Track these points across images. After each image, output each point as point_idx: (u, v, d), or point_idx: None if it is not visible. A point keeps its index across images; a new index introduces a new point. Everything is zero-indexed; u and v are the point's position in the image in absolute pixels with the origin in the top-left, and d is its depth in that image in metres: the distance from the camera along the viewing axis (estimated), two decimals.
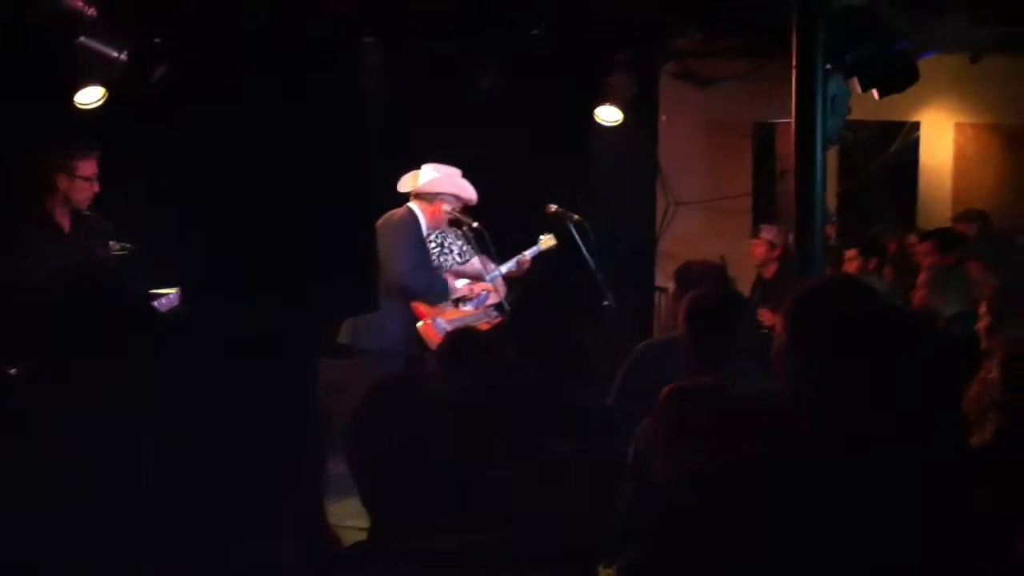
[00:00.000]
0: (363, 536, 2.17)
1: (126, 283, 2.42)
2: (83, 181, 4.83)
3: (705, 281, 3.75)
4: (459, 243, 6.35)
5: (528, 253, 6.42)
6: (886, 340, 2.35)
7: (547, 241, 6.48)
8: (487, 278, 6.23)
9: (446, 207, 6.07)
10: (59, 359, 2.21)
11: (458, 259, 6.30)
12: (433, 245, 6.21)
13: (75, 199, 4.86)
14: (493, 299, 6.25)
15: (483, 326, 5.79)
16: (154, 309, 4.82)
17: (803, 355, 2.33)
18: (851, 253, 7.24)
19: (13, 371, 2.57)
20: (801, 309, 2.38)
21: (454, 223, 6.20)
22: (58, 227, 4.90)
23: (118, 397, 2.17)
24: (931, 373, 2.53)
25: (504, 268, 6.31)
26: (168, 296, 5.36)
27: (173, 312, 5.31)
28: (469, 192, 6.17)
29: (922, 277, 5.80)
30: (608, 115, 7.31)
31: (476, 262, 6.28)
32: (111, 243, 5.36)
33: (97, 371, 2.21)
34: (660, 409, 2.51)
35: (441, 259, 6.22)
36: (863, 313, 2.38)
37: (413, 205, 6.10)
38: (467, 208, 6.17)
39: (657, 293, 8.30)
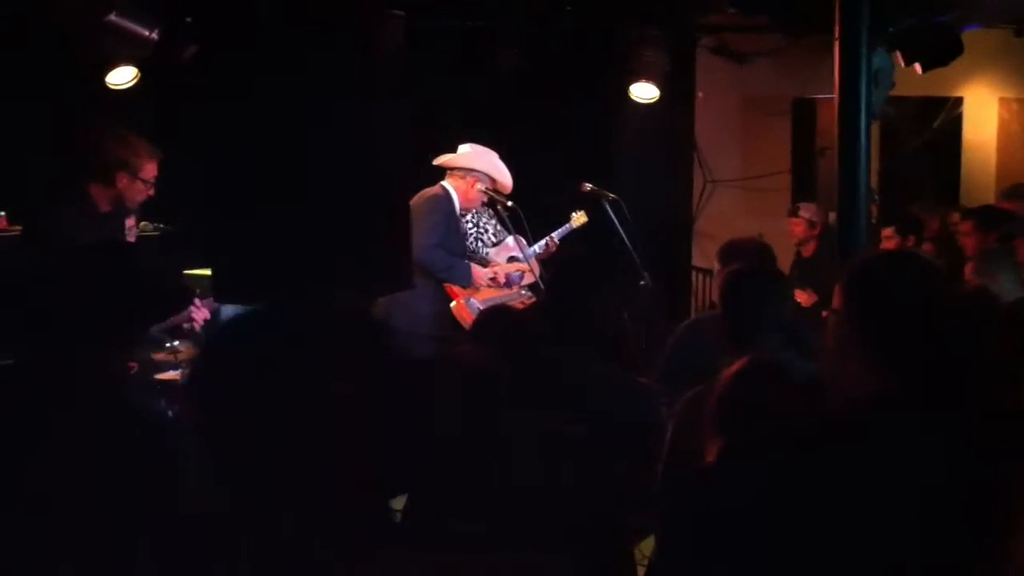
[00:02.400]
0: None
1: (141, 261, 2.36)
2: (143, 183, 4.77)
3: (745, 258, 3.67)
4: (492, 222, 6.30)
5: (557, 233, 6.35)
6: (947, 318, 2.25)
7: (579, 218, 6.42)
8: (521, 257, 6.17)
9: (480, 186, 6.00)
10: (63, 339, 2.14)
11: (492, 239, 6.25)
12: (469, 226, 6.17)
13: (130, 198, 4.79)
14: (528, 279, 6.19)
15: (517, 305, 5.72)
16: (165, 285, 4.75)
17: (861, 331, 2.24)
18: (888, 231, 7.09)
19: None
20: (861, 283, 2.29)
21: (489, 203, 6.14)
22: (96, 208, 4.82)
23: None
24: (993, 354, 2.42)
25: (537, 247, 6.25)
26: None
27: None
28: (504, 175, 6.09)
29: (969, 265, 5.64)
30: (643, 92, 7.21)
31: (511, 242, 6.22)
32: (143, 223, 5.35)
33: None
34: (721, 387, 2.43)
35: (477, 242, 6.18)
36: (927, 289, 2.28)
37: (447, 183, 6.03)
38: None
39: (694, 272, 8.21)
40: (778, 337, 2.93)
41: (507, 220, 6.13)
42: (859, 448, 1.95)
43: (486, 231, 6.25)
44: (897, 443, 1.97)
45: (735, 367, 2.47)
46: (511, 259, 6.25)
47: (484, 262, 6.18)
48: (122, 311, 2.19)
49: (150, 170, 4.78)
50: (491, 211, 6.29)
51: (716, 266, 3.97)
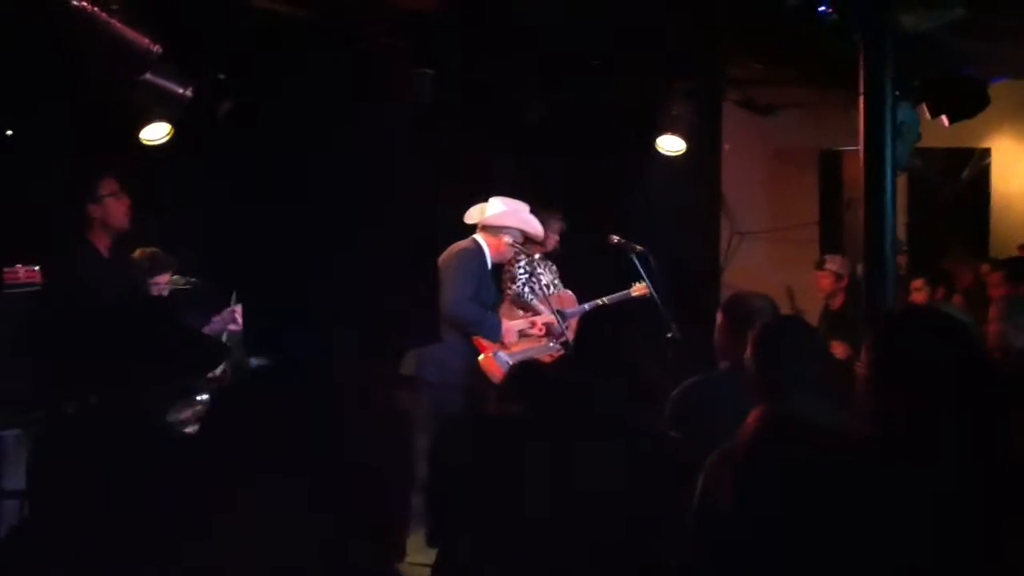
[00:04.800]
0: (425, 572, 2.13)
1: (172, 315, 2.41)
2: (111, 199, 4.86)
3: (758, 313, 3.61)
4: (550, 276, 6.40)
5: (611, 298, 6.37)
6: (976, 377, 2.25)
7: (639, 289, 6.33)
8: (568, 312, 6.23)
9: (508, 239, 6.05)
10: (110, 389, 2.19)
11: (545, 290, 6.30)
12: (521, 271, 6.26)
13: (112, 221, 4.87)
14: (569, 335, 6.24)
15: (545, 359, 5.74)
16: (204, 339, 4.83)
17: (890, 389, 2.24)
18: (918, 283, 7.06)
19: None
20: (886, 340, 2.30)
21: (525, 253, 6.23)
22: (97, 252, 4.91)
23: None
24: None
25: (587, 306, 6.31)
26: (222, 315, 5.37)
27: (228, 332, 5.32)
28: (536, 227, 6.16)
29: (993, 309, 5.63)
30: (670, 145, 7.26)
31: (553, 297, 6.31)
32: (175, 277, 5.41)
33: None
34: (746, 440, 2.43)
35: (524, 288, 6.26)
36: (954, 347, 2.28)
37: (479, 237, 6.09)
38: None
39: None
40: (813, 390, 2.90)
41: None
42: (884, 509, 1.95)
43: (538, 280, 6.34)
44: (923, 507, 1.97)
45: (757, 422, 2.47)
46: (558, 312, 6.29)
47: (527, 306, 6.25)
48: (158, 364, 2.23)
49: (106, 186, 4.85)
50: (551, 264, 6.38)
51: (719, 317, 3.90)
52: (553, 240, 6.46)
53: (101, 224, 4.85)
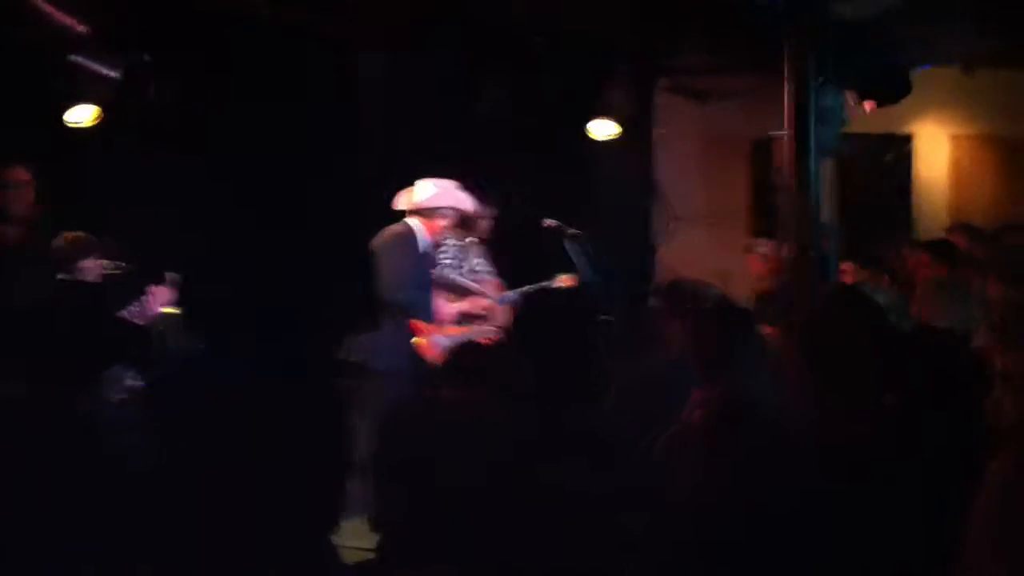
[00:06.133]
0: (366, 556, 2.13)
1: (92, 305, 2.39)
2: (5, 190, 4.73)
3: (696, 298, 3.68)
4: (478, 260, 6.39)
5: (535, 288, 6.40)
6: (894, 352, 2.34)
7: (566, 280, 6.39)
8: (498, 301, 6.24)
9: (443, 222, 6.04)
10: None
11: (468, 275, 6.30)
12: (447, 257, 6.23)
13: (12, 211, 4.72)
14: (501, 320, 6.26)
15: (483, 341, 5.75)
16: (131, 327, 4.73)
17: (813, 368, 2.33)
18: (847, 266, 7.20)
19: None
20: (811, 323, 2.38)
21: (458, 236, 6.22)
22: (2, 241, 4.78)
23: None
24: (941, 389, 2.51)
25: (513, 295, 6.32)
26: (146, 297, 5.21)
27: (158, 318, 5.18)
28: (468, 203, 6.15)
29: (919, 290, 5.75)
30: (601, 129, 7.28)
31: (486, 283, 6.31)
32: (103, 262, 5.29)
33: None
34: (685, 423, 2.48)
35: (452, 270, 6.24)
36: (872, 326, 2.38)
37: (411, 220, 6.06)
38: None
39: None
40: (751, 369, 2.96)
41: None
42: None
43: (461, 266, 6.31)
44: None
45: (701, 405, 2.52)
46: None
47: (455, 286, 6.24)
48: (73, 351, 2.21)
49: (15, 174, 4.72)
50: (483, 249, 6.38)
51: (657, 303, 3.96)
52: (485, 225, 6.45)
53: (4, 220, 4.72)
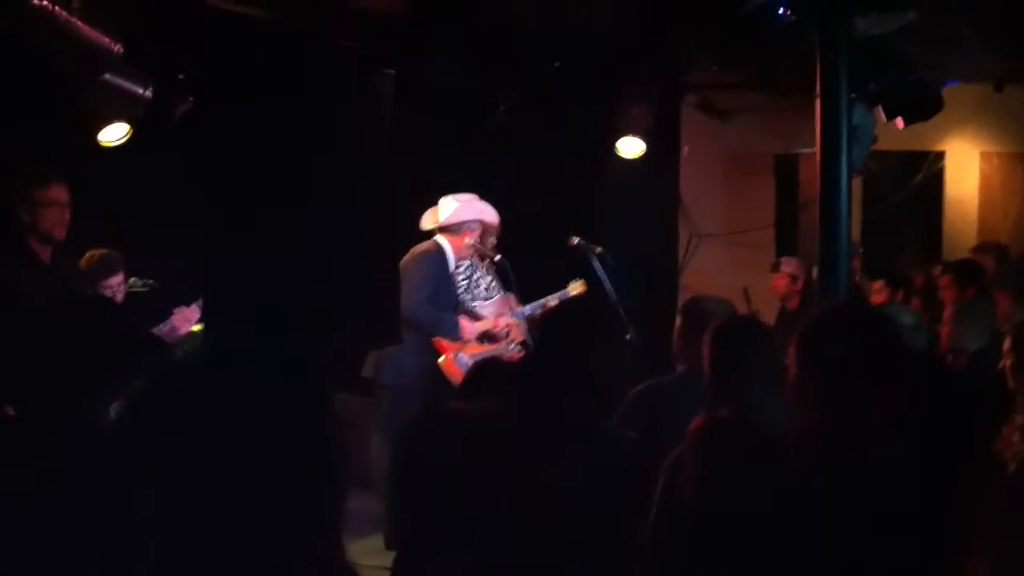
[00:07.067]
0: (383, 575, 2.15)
1: (119, 317, 2.42)
2: (43, 208, 4.76)
3: (715, 316, 3.66)
4: (488, 279, 6.36)
5: (554, 298, 6.37)
6: (894, 368, 2.33)
7: (576, 287, 6.39)
8: (511, 317, 6.22)
9: (468, 240, 6.07)
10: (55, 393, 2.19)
11: (484, 294, 6.29)
12: (461, 278, 6.22)
13: (42, 228, 4.75)
14: (516, 336, 6.23)
15: (507, 359, 5.76)
16: (155, 341, 4.77)
17: (813, 381, 2.33)
18: (877, 285, 7.17)
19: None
20: (811, 336, 2.38)
21: (481, 256, 6.20)
22: (36, 258, 4.79)
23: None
24: (939, 406, 2.51)
25: (528, 310, 6.29)
26: (174, 317, 5.28)
27: (183, 339, 5.25)
28: (491, 214, 6.17)
29: (947, 312, 5.71)
30: (629, 147, 7.30)
31: (499, 300, 6.28)
32: (132, 280, 5.35)
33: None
34: (690, 442, 2.49)
35: (467, 294, 6.22)
36: (873, 341, 2.37)
37: (440, 239, 6.10)
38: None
39: None
40: (766, 392, 2.94)
41: (509, 276, 6.19)
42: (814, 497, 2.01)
43: (479, 286, 6.30)
44: (848, 491, 2.03)
45: (694, 425, 2.52)
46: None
47: (472, 314, 6.21)
48: (94, 366, 2.24)
49: (45, 194, 4.73)
50: (488, 266, 6.37)
51: (678, 321, 3.95)
52: (490, 242, 6.41)
53: (31, 228, 4.71)
